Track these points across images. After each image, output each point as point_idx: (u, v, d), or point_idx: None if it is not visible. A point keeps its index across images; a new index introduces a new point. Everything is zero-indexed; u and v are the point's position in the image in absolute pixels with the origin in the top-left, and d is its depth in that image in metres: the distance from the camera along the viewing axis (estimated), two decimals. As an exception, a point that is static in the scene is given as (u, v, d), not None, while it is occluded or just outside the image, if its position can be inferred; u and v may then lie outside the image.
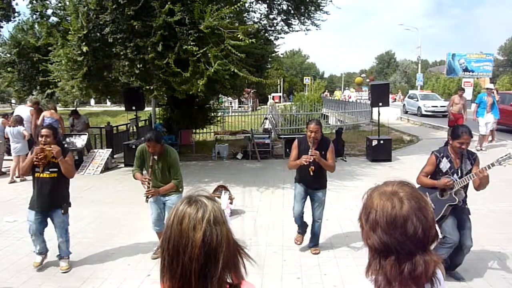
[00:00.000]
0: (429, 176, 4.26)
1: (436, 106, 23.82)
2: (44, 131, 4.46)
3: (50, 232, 4.73)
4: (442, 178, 4.11)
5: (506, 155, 3.87)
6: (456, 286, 4.06)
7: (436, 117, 22.93)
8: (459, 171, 4.13)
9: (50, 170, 4.47)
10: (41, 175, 4.48)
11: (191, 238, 1.18)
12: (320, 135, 4.72)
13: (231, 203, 6.55)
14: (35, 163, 4.40)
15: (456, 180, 4.07)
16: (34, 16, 9.04)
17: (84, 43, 7.32)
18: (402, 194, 1.30)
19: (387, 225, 1.27)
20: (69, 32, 7.46)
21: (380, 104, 11.11)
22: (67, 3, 7.85)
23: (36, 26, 10.42)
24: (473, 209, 6.37)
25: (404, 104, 28.09)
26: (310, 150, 4.58)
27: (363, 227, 1.34)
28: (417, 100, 25.37)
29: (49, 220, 4.68)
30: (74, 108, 15.45)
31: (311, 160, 4.54)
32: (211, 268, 1.19)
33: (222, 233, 1.21)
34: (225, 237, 1.22)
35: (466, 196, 4.26)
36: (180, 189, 4.78)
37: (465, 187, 4.19)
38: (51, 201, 4.53)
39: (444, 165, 4.15)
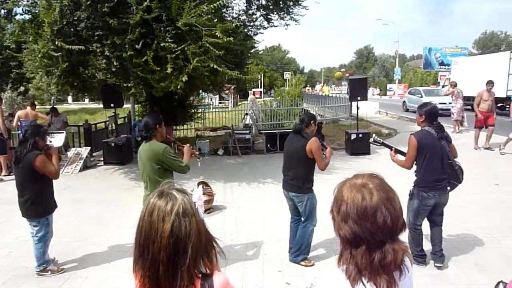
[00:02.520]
0: None
1: (444, 103, 19.22)
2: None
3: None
4: None
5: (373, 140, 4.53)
6: (431, 273, 4.20)
7: (443, 115, 18.11)
8: None
9: None
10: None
11: (160, 229, 1.25)
12: None
13: (210, 195, 6.57)
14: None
15: None
16: (2, 12, 8.80)
17: (59, 38, 7.17)
18: (371, 186, 1.35)
19: (358, 216, 1.32)
20: (43, 25, 7.31)
21: (359, 98, 11.28)
22: None
23: (8, 26, 10.10)
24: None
25: (404, 101, 25.38)
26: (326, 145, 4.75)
27: (335, 218, 1.40)
28: (421, 97, 22.24)
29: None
30: (52, 106, 15.13)
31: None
32: (180, 258, 1.25)
33: (191, 225, 1.27)
34: (194, 228, 1.27)
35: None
36: None
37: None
38: None
39: None
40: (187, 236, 1.26)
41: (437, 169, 4.25)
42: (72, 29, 7.40)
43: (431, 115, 4.32)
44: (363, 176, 1.41)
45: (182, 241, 1.25)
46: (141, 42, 7.03)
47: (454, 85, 14.92)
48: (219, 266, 1.48)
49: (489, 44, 66.17)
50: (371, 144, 4.47)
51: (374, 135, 4.54)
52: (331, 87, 48.61)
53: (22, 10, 8.51)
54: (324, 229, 5.46)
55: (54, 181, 4.59)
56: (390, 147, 4.51)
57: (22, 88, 14.31)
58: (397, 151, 4.50)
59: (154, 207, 1.28)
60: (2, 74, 14.62)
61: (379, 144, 4.49)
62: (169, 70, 6.97)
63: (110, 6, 6.95)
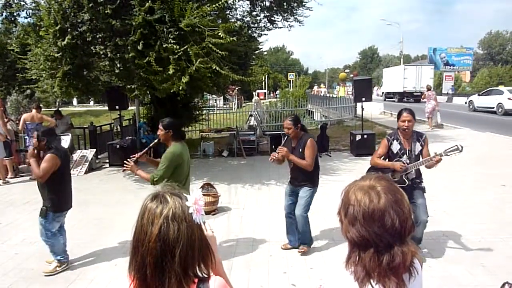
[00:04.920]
0: (382, 158, 4.58)
1: None
2: (34, 133, 4.53)
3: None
4: (395, 161, 4.41)
5: (453, 147, 4.11)
6: (438, 275, 4.17)
7: None
8: (409, 152, 4.42)
9: None
10: None
11: (149, 232, 1.24)
12: (293, 132, 4.66)
13: (215, 197, 6.58)
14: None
15: (407, 164, 4.36)
16: (4, 15, 8.87)
17: (60, 39, 7.19)
18: (379, 188, 1.33)
19: (365, 219, 1.30)
20: (41, 29, 7.36)
21: (363, 99, 11.25)
22: (42, 2, 7.74)
23: (14, 29, 10.21)
24: (455, 201, 6.56)
25: (500, 104, 20.41)
26: (279, 147, 4.67)
27: (342, 221, 1.38)
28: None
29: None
30: (56, 109, 15.19)
31: (274, 158, 4.64)
32: (167, 263, 1.23)
33: (180, 229, 1.24)
34: (183, 234, 1.24)
35: (420, 175, 4.51)
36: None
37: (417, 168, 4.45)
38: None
39: (395, 147, 4.48)
40: (176, 241, 1.23)
41: None
42: (75, 32, 7.43)
43: None
44: (370, 177, 1.39)
45: (170, 246, 1.22)
46: (142, 43, 7.04)
47: (428, 89, 17.31)
48: (222, 268, 1.47)
49: (494, 44, 65.70)
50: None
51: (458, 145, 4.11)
52: (335, 88, 48.46)
53: (26, 13, 8.56)
54: (329, 230, 5.47)
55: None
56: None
57: (28, 91, 14.42)
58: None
59: (146, 209, 1.28)
60: (9, 78, 14.74)
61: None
62: (170, 71, 6.98)
63: (112, 8, 6.97)
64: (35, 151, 4.45)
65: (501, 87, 23.93)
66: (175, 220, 1.24)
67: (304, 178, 4.75)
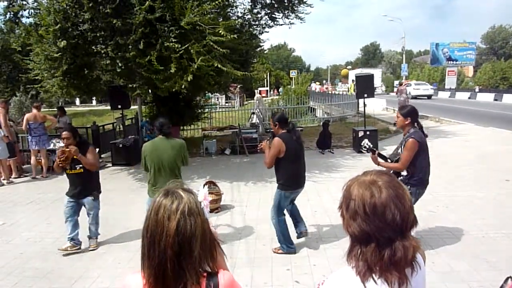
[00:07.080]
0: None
1: (427, 89, 34.30)
2: (64, 134, 4.94)
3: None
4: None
5: (362, 145, 4.57)
6: (441, 270, 4.17)
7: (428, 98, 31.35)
8: (397, 150, 4.57)
9: (77, 166, 4.98)
10: (70, 172, 5.04)
11: (166, 227, 1.25)
12: (274, 129, 4.89)
13: (218, 195, 6.59)
14: (59, 164, 4.92)
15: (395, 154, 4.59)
16: (8, 16, 8.90)
17: (60, 39, 7.21)
18: (380, 183, 1.34)
19: (366, 213, 1.31)
20: (41, 28, 7.39)
21: (365, 95, 11.22)
22: (43, 1, 7.76)
23: (16, 29, 10.26)
24: (458, 196, 6.55)
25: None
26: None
27: (344, 216, 1.39)
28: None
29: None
30: (60, 105, 15.20)
31: (259, 148, 5.02)
32: (186, 257, 1.25)
33: (196, 223, 1.27)
34: (199, 227, 1.28)
35: (409, 172, 4.41)
36: None
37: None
38: (80, 192, 5.09)
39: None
40: (193, 235, 1.26)
41: (429, 166, 4.47)
42: (76, 31, 7.44)
43: (416, 115, 4.47)
44: (371, 173, 1.39)
45: (188, 240, 1.25)
46: (143, 42, 7.05)
47: (401, 84, 21.71)
48: (226, 265, 1.48)
49: (497, 38, 65.36)
50: (363, 146, 4.58)
51: (366, 140, 4.66)
52: (337, 85, 48.36)
53: (28, 13, 8.58)
54: (332, 227, 5.47)
55: (62, 182, 4.98)
56: (374, 151, 4.51)
57: (33, 92, 14.46)
58: (380, 155, 4.57)
59: (160, 205, 1.29)
60: (14, 79, 14.80)
61: (366, 150, 4.57)
62: (172, 70, 6.99)
63: (112, 7, 6.98)
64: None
65: (411, 81, 37.50)
66: (192, 215, 1.27)
67: (276, 176, 4.94)
